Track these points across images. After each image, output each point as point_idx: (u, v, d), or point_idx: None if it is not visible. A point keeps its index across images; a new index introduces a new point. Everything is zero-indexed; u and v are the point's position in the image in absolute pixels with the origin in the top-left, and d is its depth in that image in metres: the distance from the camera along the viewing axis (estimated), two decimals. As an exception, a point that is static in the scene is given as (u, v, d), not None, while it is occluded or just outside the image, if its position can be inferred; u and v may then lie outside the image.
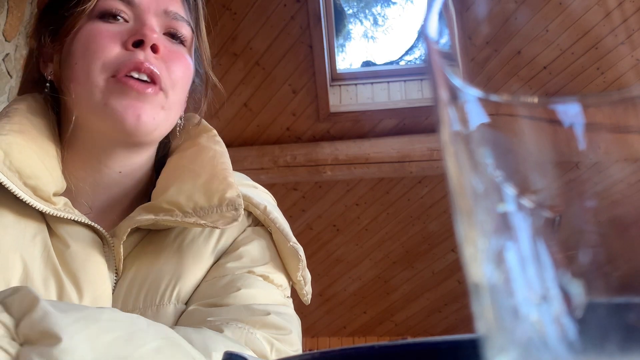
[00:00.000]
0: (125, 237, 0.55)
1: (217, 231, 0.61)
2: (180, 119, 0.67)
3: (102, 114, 0.53)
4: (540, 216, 0.14)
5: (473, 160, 0.15)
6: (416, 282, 4.20)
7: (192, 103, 0.70)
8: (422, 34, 0.16)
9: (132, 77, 0.54)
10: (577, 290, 0.14)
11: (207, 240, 0.60)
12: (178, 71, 0.59)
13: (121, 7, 0.57)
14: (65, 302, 0.40)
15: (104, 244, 0.56)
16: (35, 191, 0.52)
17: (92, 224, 0.55)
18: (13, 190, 0.50)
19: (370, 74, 3.41)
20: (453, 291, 4.19)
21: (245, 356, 0.23)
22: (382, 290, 4.29)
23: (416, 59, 4.88)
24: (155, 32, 0.56)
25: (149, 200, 0.60)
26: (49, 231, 0.54)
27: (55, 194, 0.55)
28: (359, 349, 0.23)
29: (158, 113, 0.56)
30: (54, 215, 0.53)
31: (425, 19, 0.16)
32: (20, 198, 0.51)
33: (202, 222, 0.55)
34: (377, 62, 4.91)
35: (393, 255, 4.02)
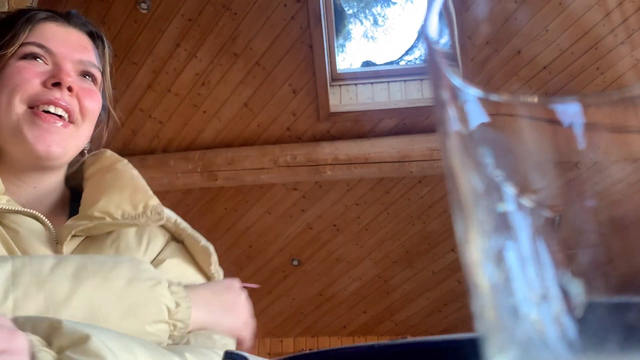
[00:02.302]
0: (68, 240, 0.65)
1: (145, 240, 0.72)
2: (89, 143, 0.77)
3: (16, 140, 0.64)
4: (540, 216, 0.14)
5: (473, 160, 0.15)
6: (416, 281, 4.20)
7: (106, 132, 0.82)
8: (422, 34, 0.16)
9: (47, 112, 0.65)
10: (577, 289, 0.14)
11: (138, 247, 0.71)
12: (89, 105, 0.70)
13: (41, 53, 0.68)
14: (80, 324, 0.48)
15: (47, 231, 0.66)
16: None
17: (35, 213, 0.65)
18: None
19: (370, 74, 3.41)
20: (453, 291, 4.19)
21: (245, 355, 0.23)
22: (382, 290, 4.30)
23: (416, 58, 4.88)
24: (70, 77, 0.67)
25: (68, 213, 0.72)
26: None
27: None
28: (359, 348, 0.23)
29: (67, 141, 0.67)
30: (2, 208, 0.62)
31: (426, 19, 0.16)
32: None
33: (135, 222, 0.67)
34: (377, 62, 4.91)
35: (393, 255, 4.02)
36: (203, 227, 3.85)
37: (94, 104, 0.71)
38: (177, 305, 0.58)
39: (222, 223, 3.78)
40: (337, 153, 3.22)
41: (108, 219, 0.66)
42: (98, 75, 0.74)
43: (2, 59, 0.66)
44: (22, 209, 0.64)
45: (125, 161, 0.78)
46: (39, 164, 0.67)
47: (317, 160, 3.23)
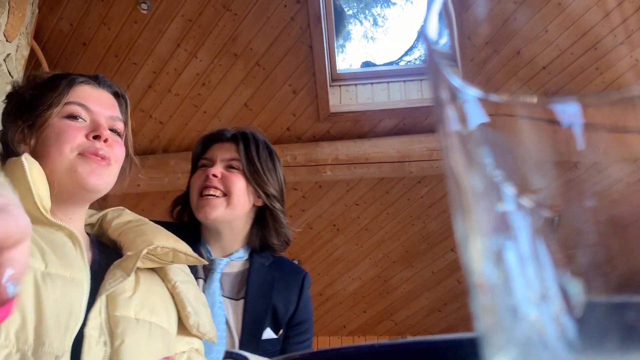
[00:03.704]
0: (135, 267, 0.83)
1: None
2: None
3: (70, 176, 0.80)
4: (539, 216, 0.15)
5: (473, 160, 0.15)
6: (416, 281, 4.20)
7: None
8: (422, 35, 0.16)
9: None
10: (576, 289, 0.14)
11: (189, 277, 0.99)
12: (118, 152, 0.88)
13: (81, 112, 0.85)
14: None
15: (76, 246, 0.78)
16: (41, 201, 0.76)
17: (71, 229, 0.78)
18: (34, 198, 0.74)
19: (370, 74, 3.41)
20: (452, 290, 4.19)
21: (245, 355, 0.23)
22: (382, 290, 4.30)
23: (416, 59, 4.88)
24: (106, 130, 0.85)
25: (91, 251, 0.87)
26: (35, 232, 0.75)
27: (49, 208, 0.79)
28: (359, 347, 0.23)
29: (107, 178, 0.85)
30: (52, 220, 0.76)
31: (425, 20, 0.16)
32: (36, 205, 0.74)
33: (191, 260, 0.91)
34: (377, 63, 4.92)
35: (393, 254, 4.02)
36: (203, 227, 3.85)
37: (121, 152, 0.89)
38: None
39: (222, 223, 3.78)
40: (337, 153, 3.22)
41: (180, 254, 0.87)
42: (122, 128, 0.92)
43: (48, 117, 0.82)
44: (63, 225, 0.78)
45: (146, 219, 0.97)
46: (85, 195, 0.83)
47: (317, 160, 3.23)
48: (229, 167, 1.25)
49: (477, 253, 0.15)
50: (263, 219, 1.28)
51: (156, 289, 0.87)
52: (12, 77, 2.37)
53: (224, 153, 1.26)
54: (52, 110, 0.82)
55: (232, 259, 1.26)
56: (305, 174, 3.27)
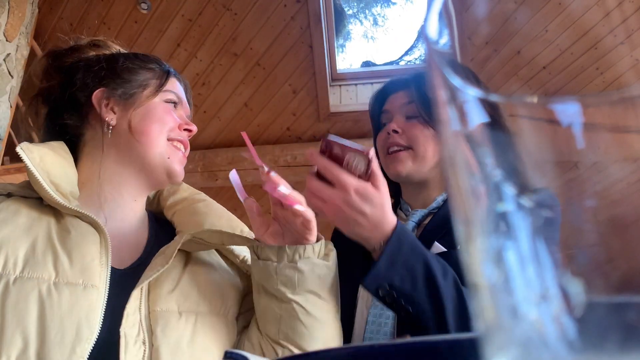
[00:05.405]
0: (178, 248, 0.79)
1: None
2: None
3: (161, 161, 0.83)
4: (539, 216, 0.15)
5: (472, 160, 0.15)
6: (416, 282, 4.20)
7: None
8: (422, 34, 0.16)
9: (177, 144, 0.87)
10: (577, 289, 0.14)
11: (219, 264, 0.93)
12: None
13: (177, 102, 0.89)
14: None
15: (101, 237, 0.76)
16: (57, 188, 0.75)
17: (93, 217, 0.76)
18: (41, 183, 0.72)
19: (370, 74, 3.41)
20: (453, 291, 4.18)
21: (245, 355, 0.23)
22: (382, 290, 4.29)
23: (416, 59, 4.88)
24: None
25: (148, 229, 0.87)
26: (57, 223, 0.75)
27: (72, 196, 0.78)
28: (360, 348, 0.23)
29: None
30: (66, 206, 0.74)
31: (425, 20, 0.16)
32: (45, 189, 0.73)
33: (249, 242, 0.85)
34: (377, 62, 4.92)
35: (393, 255, 4.02)
36: (203, 227, 3.85)
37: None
38: None
39: (222, 223, 3.77)
40: (337, 153, 3.22)
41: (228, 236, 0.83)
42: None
43: (152, 94, 0.85)
44: (81, 212, 0.75)
45: (203, 194, 0.96)
46: (163, 181, 0.85)
47: (317, 160, 3.23)
48: (409, 117, 1.15)
49: (477, 253, 0.15)
50: None
51: (209, 271, 0.82)
52: (12, 77, 2.37)
53: (399, 103, 1.18)
54: (158, 90, 0.85)
55: (430, 209, 1.15)
56: (306, 174, 3.27)
